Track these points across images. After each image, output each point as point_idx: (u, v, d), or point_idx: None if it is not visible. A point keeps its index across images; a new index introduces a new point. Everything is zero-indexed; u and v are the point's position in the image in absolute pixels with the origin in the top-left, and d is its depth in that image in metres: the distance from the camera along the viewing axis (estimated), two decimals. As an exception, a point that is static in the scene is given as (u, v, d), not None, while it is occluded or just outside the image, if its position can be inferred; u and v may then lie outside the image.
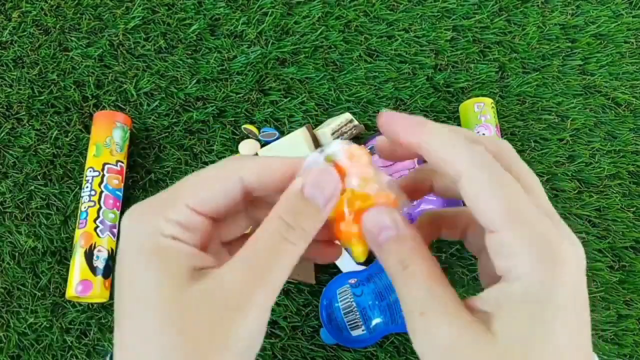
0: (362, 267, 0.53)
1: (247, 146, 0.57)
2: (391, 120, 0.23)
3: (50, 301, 0.52)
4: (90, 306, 0.52)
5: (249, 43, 0.62)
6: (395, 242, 0.22)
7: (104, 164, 0.53)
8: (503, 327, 0.20)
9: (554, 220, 0.21)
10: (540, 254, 0.19)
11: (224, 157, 0.57)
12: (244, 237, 0.27)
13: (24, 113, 0.59)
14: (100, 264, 0.50)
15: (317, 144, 0.55)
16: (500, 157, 0.22)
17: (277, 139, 0.57)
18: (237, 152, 0.57)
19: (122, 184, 0.54)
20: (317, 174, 0.23)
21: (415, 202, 0.52)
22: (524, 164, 0.23)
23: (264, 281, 0.21)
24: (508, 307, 0.20)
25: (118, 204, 0.53)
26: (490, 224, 0.20)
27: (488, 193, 0.20)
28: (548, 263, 0.19)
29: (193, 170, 0.57)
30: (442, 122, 0.60)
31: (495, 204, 0.20)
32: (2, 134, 0.58)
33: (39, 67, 0.60)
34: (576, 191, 0.58)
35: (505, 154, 0.22)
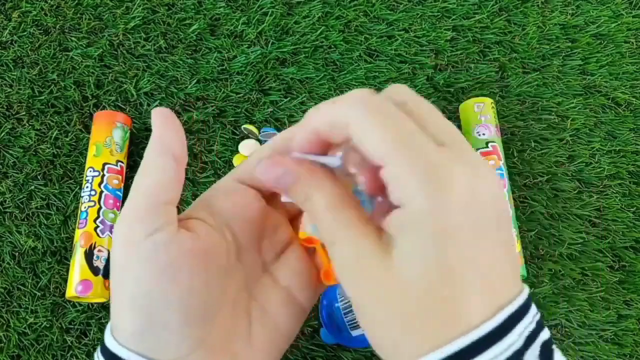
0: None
1: (247, 146, 0.57)
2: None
3: (50, 301, 0.52)
4: (90, 306, 0.52)
5: (249, 43, 0.62)
6: (294, 184, 0.24)
7: (104, 164, 0.53)
8: (399, 249, 0.21)
9: (452, 148, 0.21)
10: (422, 180, 0.20)
11: (224, 157, 0.57)
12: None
13: (24, 113, 0.59)
14: (100, 264, 0.50)
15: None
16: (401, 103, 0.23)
17: (277, 139, 0.57)
18: (237, 152, 0.57)
19: (122, 184, 0.54)
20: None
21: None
22: (421, 100, 0.24)
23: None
24: (402, 230, 0.21)
25: (118, 204, 0.53)
26: (379, 158, 0.21)
27: (374, 132, 0.21)
28: (431, 187, 0.20)
29: (193, 170, 0.57)
30: (442, 122, 0.60)
31: (379, 139, 0.21)
32: (2, 134, 0.58)
33: (39, 67, 0.60)
34: (576, 191, 0.58)
35: (404, 98, 0.24)
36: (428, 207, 0.20)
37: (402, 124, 0.21)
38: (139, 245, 0.24)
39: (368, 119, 0.22)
